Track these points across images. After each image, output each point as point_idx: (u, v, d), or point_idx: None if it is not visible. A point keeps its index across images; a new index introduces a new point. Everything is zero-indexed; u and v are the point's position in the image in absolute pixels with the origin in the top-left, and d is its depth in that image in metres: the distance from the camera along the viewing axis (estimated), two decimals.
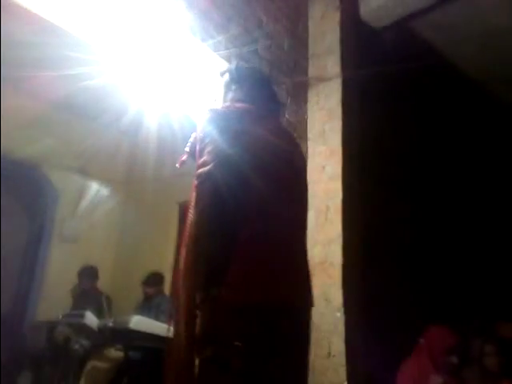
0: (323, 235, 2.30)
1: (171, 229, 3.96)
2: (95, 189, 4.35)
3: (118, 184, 4.59)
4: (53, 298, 3.75)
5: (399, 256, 2.77)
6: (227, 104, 1.35)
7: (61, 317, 2.96)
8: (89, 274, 3.72)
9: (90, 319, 2.63)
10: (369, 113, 2.69)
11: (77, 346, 2.85)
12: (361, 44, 2.70)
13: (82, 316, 2.66)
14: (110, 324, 2.23)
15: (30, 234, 5.25)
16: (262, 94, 1.36)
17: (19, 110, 3.85)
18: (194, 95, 2.28)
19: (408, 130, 3.11)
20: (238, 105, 1.31)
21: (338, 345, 2.06)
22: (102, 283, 3.93)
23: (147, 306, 3.20)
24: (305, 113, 2.50)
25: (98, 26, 1.84)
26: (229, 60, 2.05)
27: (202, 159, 1.15)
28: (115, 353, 2.90)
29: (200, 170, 1.14)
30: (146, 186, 4.33)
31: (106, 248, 4.37)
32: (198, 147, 1.22)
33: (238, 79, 1.39)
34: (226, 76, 1.42)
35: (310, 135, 2.49)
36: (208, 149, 1.15)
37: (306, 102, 2.52)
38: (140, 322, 1.97)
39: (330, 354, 2.07)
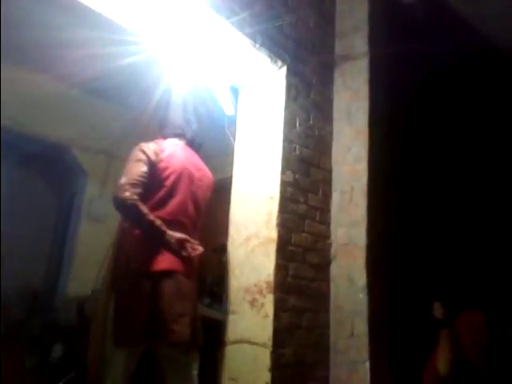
0: (347, 217, 2.28)
1: None
2: (120, 170, 4.43)
3: None
4: (82, 275, 3.89)
5: (424, 239, 2.72)
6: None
7: (90, 292, 3.07)
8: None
9: None
10: (397, 93, 2.61)
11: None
12: (389, 20, 2.60)
13: None
14: None
15: (59, 213, 5.44)
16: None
17: (49, 93, 3.94)
18: (218, 74, 2.27)
19: (439, 111, 3.01)
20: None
21: (361, 325, 2.06)
22: None
23: None
24: (331, 93, 2.45)
25: (125, 6, 1.84)
26: (254, 38, 2.03)
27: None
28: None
29: None
30: None
31: None
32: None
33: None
34: None
35: (335, 115, 2.45)
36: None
37: (331, 81, 2.47)
38: None
39: (352, 334, 2.08)
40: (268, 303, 1.94)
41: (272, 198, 2.08)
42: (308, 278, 2.13)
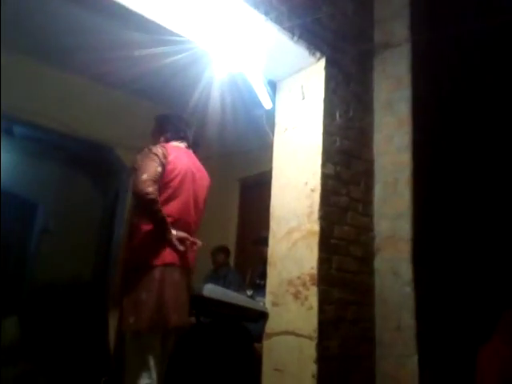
0: (391, 209, 2.24)
1: (233, 205, 4.07)
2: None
3: None
4: None
5: (472, 232, 2.62)
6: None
7: None
8: None
9: None
10: (440, 79, 2.51)
11: None
12: (430, 4, 2.50)
13: None
14: None
15: (104, 210, 5.70)
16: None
17: (93, 95, 4.12)
18: (257, 69, 2.29)
19: (484, 97, 2.87)
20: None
21: (408, 319, 2.02)
22: None
23: (215, 277, 3.38)
24: (370, 82, 2.40)
25: (166, 6, 1.89)
26: (292, 31, 2.02)
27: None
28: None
29: None
30: (207, 164, 4.46)
31: None
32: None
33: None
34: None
35: (376, 105, 2.40)
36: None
37: (371, 70, 2.41)
38: (212, 290, 2.08)
39: (399, 327, 2.05)
40: (312, 296, 1.94)
41: (313, 190, 2.07)
42: (352, 271, 2.11)
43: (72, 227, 5.76)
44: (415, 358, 1.97)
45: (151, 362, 1.70)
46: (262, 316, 2.17)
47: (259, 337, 2.37)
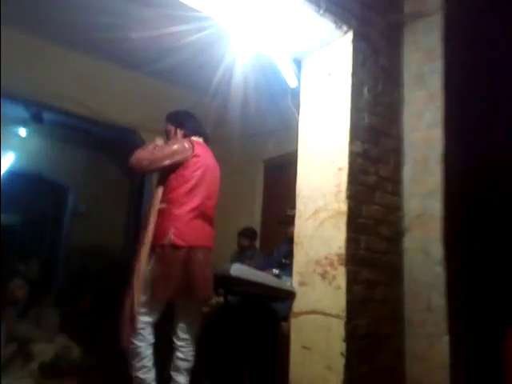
0: (421, 187, 2.17)
1: (257, 186, 4.07)
2: None
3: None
4: None
5: (505, 210, 2.51)
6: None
7: None
8: None
9: None
10: (475, 50, 2.38)
11: None
12: None
13: None
14: None
15: (130, 194, 5.83)
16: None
17: (116, 79, 4.16)
18: (281, 46, 2.23)
19: None
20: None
21: (438, 299, 1.99)
22: None
23: (240, 258, 3.41)
24: (400, 56, 2.30)
25: None
26: (318, 4, 1.94)
27: None
28: (214, 298, 3.17)
29: None
30: (231, 146, 4.46)
31: None
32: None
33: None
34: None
35: (405, 79, 2.30)
36: None
37: (401, 43, 2.31)
38: (239, 270, 2.10)
39: (429, 307, 2.01)
40: (340, 275, 1.93)
41: (340, 169, 2.03)
42: (380, 251, 2.08)
43: (101, 209, 5.94)
44: (446, 338, 1.95)
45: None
46: (289, 295, 2.19)
47: (286, 316, 2.40)
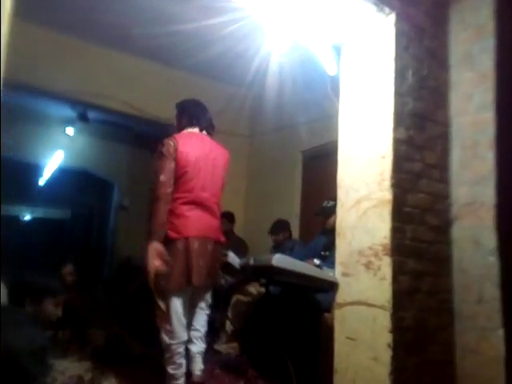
0: (471, 174, 2.06)
1: (296, 177, 4.04)
2: (223, 143, 4.64)
3: (242, 137, 4.82)
4: None
5: None
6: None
7: None
8: (227, 217, 4.10)
9: (233, 258, 2.91)
10: None
11: (222, 282, 3.22)
12: None
13: (225, 255, 2.95)
14: (252, 262, 2.43)
15: None
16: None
17: (155, 75, 4.26)
18: (319, 33, 2.19)
19: None
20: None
21: (492, 290, 1.89)
22: (235, 229, 4.29)
23: (280, 250, 3.41)
24: (446, 35, 2.19)
25: None
26: None
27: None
28: (255, 288, 3.20)
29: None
30: (269, 138, 4.46)
31: (236, 198, 4.72)
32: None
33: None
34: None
35: (452, 61, 2.18)
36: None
37: (447, 22, 2.19)
38: (281, 260, 2.11)
39: (481, 299, 1.92)
40: (385, 266, 1.89)
41: (384, 157, 1.97)
42: (427, 241, 2.01)
43: (143, 203, 6.14)
44: (500, 332, 1.85)
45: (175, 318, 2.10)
46: (332, 286, 2.17)
47: (328, 307, 2.38)
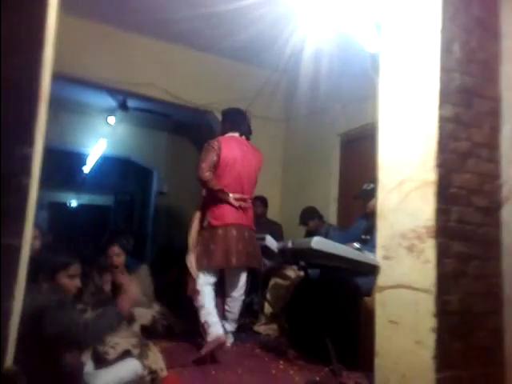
0: None
1: (333, 161, 3.98)
2: (258, 128, 4.64)
3: (278, 122, 4.78)
4: None
5: None
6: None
7: None
8: (261, 202, 4.13)
9: (270, 242, 2.94)
10: None
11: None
12: None
13: (263, 239, 2.98)
14: (290, 245, 2.44)
15: None
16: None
17: (191, 61, 4.30)
18: (359, 9, 2.11)
19: None
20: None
21: None
22: (272, 214, 4.31)
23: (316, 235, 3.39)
24: (496, 3, 2.04)
25: None
26: None
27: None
28: (293, 272, 3.22)
29: None
30: (305, 122, 4.40)
31: (272, 184, 4.72)
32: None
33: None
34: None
35: (504, 31, 2.03)
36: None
37: None
38: (320, 242, 2.10)
39: None
40: (429, 249, 1.83)
41: (428, 136, 1.89)
42: (474, 223, 1.92)
43: (182, 188, 6.30)
44: None
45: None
46: (373, 269, 2.14)
47: (369, 291, 2.36)
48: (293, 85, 4.53)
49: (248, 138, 2.84)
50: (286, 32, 3.33)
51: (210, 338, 2.35)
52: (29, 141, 1.23)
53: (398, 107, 2.10)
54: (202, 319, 2.48)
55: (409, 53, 2.03)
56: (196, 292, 2.54)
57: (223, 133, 2.79)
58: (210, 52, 4.25)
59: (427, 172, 1.88)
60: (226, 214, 2.56)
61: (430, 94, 1.89)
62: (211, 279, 2.59)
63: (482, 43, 1.99)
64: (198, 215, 2.72)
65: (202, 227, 2.63)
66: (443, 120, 1.86)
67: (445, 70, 1.86)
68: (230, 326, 2.68)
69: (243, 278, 2.71)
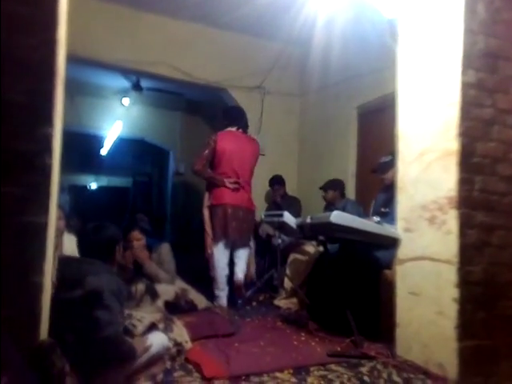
0: None
1: (351, 134, 3.90)
2: (273, 104, 4.58)
3: (292, 97, 4.70)
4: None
5: None
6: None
7: (263, 216, 3.41)
8: (278, 182, 4.13)
9: (288, 218, 2.94)
10: None
11: (279, 241, 3.28)
12: None
13: (281, 215, 2.98)
14: (309, 220, 2.44)
15: None
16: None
17: (202, 38, 4.23)
18: None
19: None
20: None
21: None
22: (289, 190, 4.29)
23: (333, 210, 3.37)
24: None
25: None
26: None
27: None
28: (312, 247, 3.23)
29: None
30: (320, 95, 4.31)
31: (288, 159, 4.68)
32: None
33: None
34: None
35: None
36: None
37: None
38: (340, 216, 2.09)
39: None
40: (451, 220, 1.80)
41: (450, 104, 1.83)
42: (499, 192, 1.87)
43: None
44: None
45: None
46: (393, 242, 2.12)
47: (388, 264, 2.35)
48: (307, 57, 4.41)
49: (245, 132, 3.30)
50: (298, 1, 3.23)
51: (215, 305, 2.98)
52: (49, 120, 1.24)
53: (419, 75, 2.03)
54: (214, 289, 3.06)
55: (430, 16, 1.95)
56: (210, 255, 3.08)
57: (224, 127, 3.22)
58: (221, 27, 4.16)
59: (449, 141, 1.83)
60: (223, 196, 3.04)
61: (452, 59, 1.81)
62: (222, 249, 3.09)
63: (508, 2, 1.88)
64: (206, 195, 3.20)
65: (208, 206, 3.14)
66: (466, 86, 1.79)
67: (469, 33, 1.78)
68: (238, 277, 3.19)
69: (245, 250, 3.23)
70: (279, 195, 4.13)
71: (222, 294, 3.04)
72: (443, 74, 1.87)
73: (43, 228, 1.20)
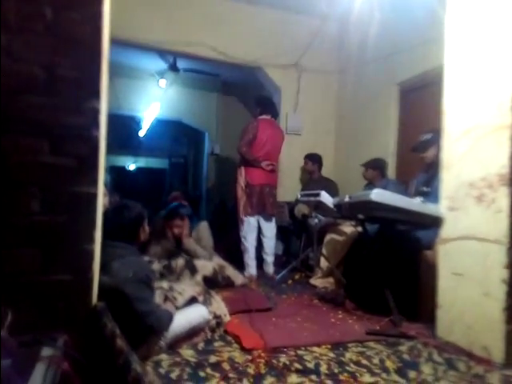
0: None
1: (392, 112, 3.76)
2: (310, 82, 4.48)
3: (330, 74, 4.58)
4: (285, 183, 4.32)
5: None
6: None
7: (299, 196, 3.39)
8: (310, 160, 4.07)
9: (325, 197, 2.90)
10: None
11: (316, 221, 3.26)
12: None
13: (318, 195, 2.95)
14: (348, 199, 2.40)
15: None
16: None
17: (238, 16, 4.17)
18: None
19: None
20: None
21: None
22: (326, 170, 4.23)
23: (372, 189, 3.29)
24: None
25: None
26: None
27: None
28: (349, 227, 3.19)
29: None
30: (359, 72, 4.17)
31: (326, 138, 4.60)
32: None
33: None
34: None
35: None
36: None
37: None
38: (381, 194, 2.03)
39: None
40: (501, 198, 1.71)
41: (504, 77, 1.71)
42: None
43: (233, 149, 6.35)
44: None
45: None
46: (436, 221, 2.05)
47: (429, 244, 2.28)
48: (345, 33, 4.27)
49: (275, 119, 3.72)
50: None
51: (246, 274, 3.31)
52: (97, 95, 1.28)
53: (468, 48, 1.91)
54: (245, 260, 3.43)
55: None
56: (242, 227, 3.47)
57: (259, 114, 3.60)
58: (256, 3, 4.09)
59: (502, 116, 1.72)
60: (260, 176, 3.45)
61: (507, 30, 1.69)
62: (254, 223, 3.48)
63: None
64: (242, 174, 3.51)
65: (244, 185, 3.48)
66: None
67: None
68: (270, 258, 3.53)
69: (273, 222, 3.58)
70: (309, 170, 4.10)
71: (252, 263, 3.41)
72: (496, 45, 1.74)
73: (94, 198, 1.26)
